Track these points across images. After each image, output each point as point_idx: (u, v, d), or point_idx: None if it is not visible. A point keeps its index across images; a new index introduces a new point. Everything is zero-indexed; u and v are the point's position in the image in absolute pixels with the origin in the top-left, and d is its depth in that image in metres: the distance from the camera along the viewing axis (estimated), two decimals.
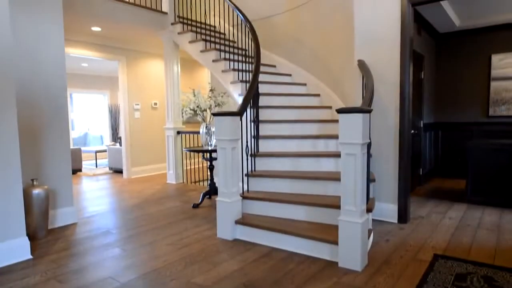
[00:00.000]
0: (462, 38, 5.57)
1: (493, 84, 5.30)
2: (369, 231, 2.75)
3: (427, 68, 5.41)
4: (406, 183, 3.37)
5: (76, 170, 7.30)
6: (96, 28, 5.20)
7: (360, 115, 2.26)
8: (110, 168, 7.40)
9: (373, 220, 3.49)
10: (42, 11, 3.32)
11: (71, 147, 7.70)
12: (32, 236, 3.07)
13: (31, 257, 2.67)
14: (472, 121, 5.54)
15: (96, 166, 8.32)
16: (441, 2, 4.22)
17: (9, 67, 2.55)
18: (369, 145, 2.58)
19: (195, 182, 6.18)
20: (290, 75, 5.17)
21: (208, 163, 4.38)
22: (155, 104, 6.93)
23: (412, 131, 4.58)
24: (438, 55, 5.83)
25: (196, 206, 4.16)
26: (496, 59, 5.26)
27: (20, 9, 3.17)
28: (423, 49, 5.22)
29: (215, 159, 4.20)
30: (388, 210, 3.46)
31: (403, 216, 3.38)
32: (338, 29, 4.45)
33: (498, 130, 5.30)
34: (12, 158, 2.57)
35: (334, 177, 3.01)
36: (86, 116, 10.88)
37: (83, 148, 8.81)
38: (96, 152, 8.42)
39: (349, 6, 4.01)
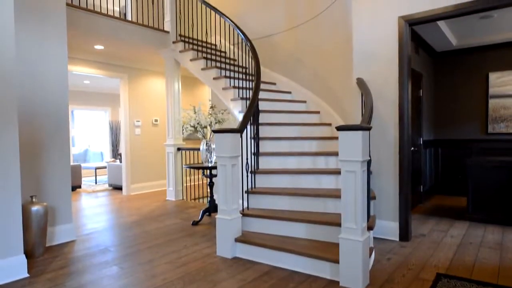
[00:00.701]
0: (459, 56, 5.66)
1: (491, 102, 5.35)
2: (371, 249, 2.72)
3: (425, 86, 5.47)
4: (406, 201, 3.36)
5: (76, 187, 7.27)
6: (99, 47, 5.29)
7: (359, 132, 2.27)
8: (110, 185, 7.37)
9: (374, 238, 3.46)
10: (47, 29, 3.38)
11: (71, 163, 7.70)
12: (29, 253, 3.03)
13: (27, 275, 2.63)
14: (471, 138, 5.56)
15: (96, 183, 8.29)
16: (438, 22, 4.31)
17: (12, 83, 2.59)
18: (369, 162, 2.59)
19: (194, 199, 6.14)
20: (290, 92, 5.22)
21: (208, 180, 4.37)
22: (156, 121, 6.97)
23: (412, 148, 4.59)
24: (436, 73, 5.91)
25: (195, 223, 4.12)
26: (493, 77, 5.33)
27: (25, 26, 3.24)
28: (421, 67, 5.29)
29: (215, 176, 4.20)
30: (389, 228, 3.43)
31: (404, 234, 3.35)
32: (337, 48, 4.52)
33: (497, 147, 5.31)
34: (12, 175, 2.56)
35: (334, 194, 3.00)
36: (87, 133, 10.91)
37: (83, 165, 8.81)
38: (96, 168, 8.41)
39: (348, 25, 4.09)
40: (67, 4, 4.22)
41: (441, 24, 4.47)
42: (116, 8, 8.08)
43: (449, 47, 5.53)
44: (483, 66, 5.45)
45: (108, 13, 5.23)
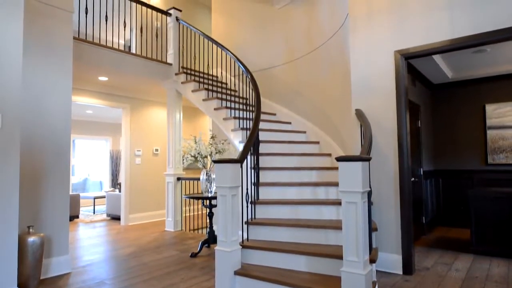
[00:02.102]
0: (456, 88, 5.78)
1: (490, 133, 5.39)
2: (373, 284, 2.65)
3: (423, 117, 5.54)
4: (409, 232, 3.31)
5: (73, 217, 7.17)
6: (103, 78, 5.42)
7: (359, 163, 2.28)
8: (108, 215, 7.28)
9: (377, 271, 3.37)
10: (53, 62, 3.48)
11: (70, 193, 7.64)
12: (23, 286, 2.95)
13: None
14: (472, 169, 5.56)
15: (94, 213, 8.19)
16: (433, 56, 4.43)
17: (17, 116, 2.63)
18: (369, 193, 2.58)
19: (193, 230, 6.05)
20: (290, 123, 5.29)
21: (208, 210, 4.33)
22: (156, 150, 7.00)
23: (412, 179, 4.58)
24: (433, 105, 6.00)
25: (194, 255, 4.04)
26: (490, 108, 5.41)
27: (32, 59, 3.33)
28: (419, 98, 5.39)
29: (215, 206, 4.16)
30: (392, 260, 3.35)
31: (408, 267, 3.27)
32: (336, 79, 4.63)
33: (498, 178, 5.30)
34: (10, 206, 2.55)
35: (336, 226, 2.96)
36: (87, 162, 10.92)
37: (82, 194, 8.74)
38: (95, 198, 8.34)
39: (346, 57, 4.21)
40: (74, 38, 4.37)
41: (436, 57, 4.60)
42: (121, 41, 8.35)
43: (445, 80, 5.66)
44: (479, 98, 5.55)
45: (113, 46, 5.41)
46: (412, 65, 4.84)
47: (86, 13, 4.64)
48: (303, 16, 5.28)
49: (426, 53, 3.27)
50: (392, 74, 3.46)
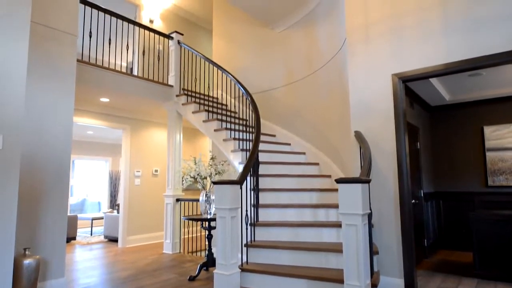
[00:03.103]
0: (454, 110, 5.84)
1: (489, 155, 5.41)
2: None
3: (422, 139, 5.57)
4: (411, 256, 3.26)
5: (70, 238, 7.07)
6: (104, 99, 5.48)
7: (359, 185, 2.28)
8: (105, 237, 7.18)
9: None
10: (56, 84, 3.54)
11: (68, 214, 7.56)
12: None
13: None
14: (472, 191, 5.54)
15: (91, 234, 8.08)
16: (430, 79, 4.51)
17: (19, 138, 2.65)
18: (370, 215, 2.56)
19: (192, 252, 5.95)
20: (289, 144, 5.31)
21: (207, 232, 4.28)
22: (156, 171, 6.99)
23: (413, 201, 4.55)
24: (432, 127, 6.05)
25: (192, 278, 3.96)
26: (488, 130, 5.44)
27: (35, 80, 3.39)
28: (417, 120, 5.43)
29: (214, 228, 4.12)
30: (394, 284, 3.29)
31: None
32: (335, 101, 4.68)
33: (499, 200, 5.27)
34: (7, 229, 2.52)
35: (336, 249, 2.93)
36: (86, 182, 10.87)
37: (79, 215, 8.65)
38: (93, 219, 8.25)
39: (344, 80, 4.28)
40: (77, 60, 4.45)
41: (433, 81, 4.68)
42: (124, 64, 8.50)
43: (442, 102, 5.73)
44: (477, 120, 5.60)
45: (116, 68, 5.51)
46: (409, 88, 4.91)
47: (90, 37, 4.75)
48: (302, 40, 5.40)
49: (423, 76, 3.33)
50: (390, 97, 3.51)
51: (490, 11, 3.02)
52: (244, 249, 3.26)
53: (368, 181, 2.40)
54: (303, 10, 5.29)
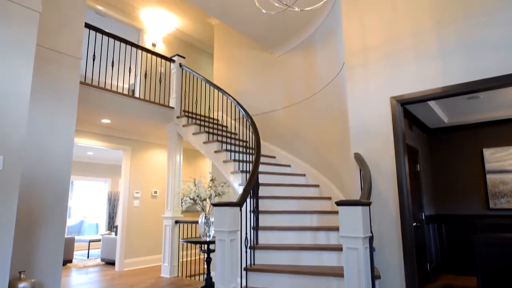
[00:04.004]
0: (453, 133, 5.87)
1: (489, 177, 5.39)
2: None
3: (422, 161, 5.57)
4: (414, 280, 3.19)
5: (66, 261, 6.94)
6: (106, 120, 5.52)
7: (359, 208, 2.27)
8: (102, 260, 7.05)
9: None
10: (58, 106, 3.58)
11: (65, 236, 7.45)
12: None
13: None
14: (474, 214, 5.49)
15: (88, 257, 7.94)
16: (428, 102, 4.56)
17: (19, 158, 2.65)
18: (371, 239, 2.53)
19: (190, 276, 5.83)
20: (289, 165, 5.31)
21: (206, 255, 4.21)
22: (155, 192, 6.95)
23: (414, 223, 4.50)
24: (431, 149, 6.06)
25: None
26: (487, 153, 5.46)
27: (37, 102, 3.43)
28: (416, 143, 5.45)
29: (213, 251, 4.05)
30: None
31: None
32: (334, 123, 4.72)
33: (502, 223, 5.21)
34: (3, 250, 2.49)
35: (337, 273, 2.87)
36: (84, 203, 10.78)
37: (76, 237, 8.53)
38: (90, 241, 8.13)
39: (343, 102, 4.32)
40: (80, 83, 4.52)
41: (432, 103, 4.73)
42: (126, 86, 8.62)
43: (441, 124, 5.77)
44: (476, 142, 5.62)
45: (118, 90, 5.59)
46: (408, 110, 4.96)
47: (94, 60, 4.84)
48: (301, 63, 5.50)
49: (421, 99, 3.37)
50: (389, 119, 3.55)
51: (485, 36, 3.10)
52: (244, 272, 3.20)
53: (368, 204, 2.39)
54: (302, 35, 5.42)
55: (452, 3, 3.31)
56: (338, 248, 3.18)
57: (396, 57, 3.59)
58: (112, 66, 5.13)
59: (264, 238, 3.61)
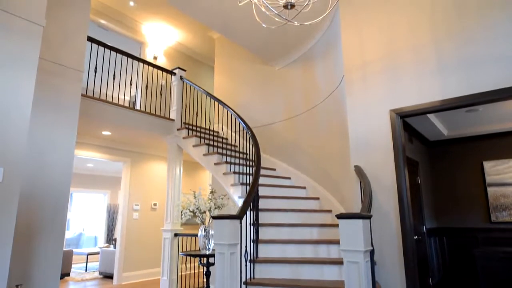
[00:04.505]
0: (452, 145, 5.88)
1: (490, 190, 5.37)
2: None
3: (422, 173, 5.56)
4: None
5: (64, 275, 6.86)
6: (106, 132, 5.54)
7: (360, 221, 2.26)
8: (100, 273, 6.97)
9: None
10: (60, 118, 3.60)
11: (64, 249, 7.38)
12: None
13: None
14: (475, 227, 5.45)
15: (86, 270, 7.85)
16: (427, 114, 4.58)
17: (19, 170, 2.65)
18: (372, 252, 2.51)
19: None
20: (289, 178, 5.29)
21: (205, 269, 4.16)
22: (155, 205, 6.92)
23: (416, 237, 4.47)
24: (431, 161, 6.06)
25: None
26: (488, 165, 5.45)
27: (39, 114, 3.45)
28: (416, 155, 5.46)
29: (213, 264, 4.01)
30: None
31: None
32: (334, 136, 4.73)
33: (504, 236, 5.17)
34: (1, 264, 2.47)
35: (339, 287, 2.84)
36: (83, 216, 10.71)
37: (75, 250, 8.45)
38: (88, 254, 8.05)
39: (343, 115, 4.35)
40: (82, 95, 4.55)
41: (431, 116, 4.75)
42: (127, 98, 8.67)
43: (441, 137, 5.78)
44: (476, 155, 5.62)
45: (119, 102, 5.63)
46: (408, 123, 4.98)
47: (95, 72, 4.88)
48: (301, 76, 5.55)
49: (420, 112, 3.39)
50: (389, 132, 3.56)
51: (483, 50, 3.14)
52: (243, 287, 3.16)
53: (369, 217, 2.38)
54: (302, 49, 5.49)
55: (449, 18, 3.36)
56: (339, 262, 3.15)
57: (395, 71, 3.62)
58: (114, 78, 5.17)
59: (264, 251, 3.57)
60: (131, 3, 6.37)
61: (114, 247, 7.30)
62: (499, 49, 3.06)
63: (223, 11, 4.51)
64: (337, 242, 3.45)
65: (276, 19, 2.53)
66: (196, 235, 5.05)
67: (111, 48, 5.05)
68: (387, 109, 3.61)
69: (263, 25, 2.93)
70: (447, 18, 3.38)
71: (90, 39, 4.68)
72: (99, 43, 4.84)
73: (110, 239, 10.26)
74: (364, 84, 3.83)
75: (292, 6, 2.27)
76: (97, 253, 8.03)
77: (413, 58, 3.52)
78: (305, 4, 2.36)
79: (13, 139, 2.64)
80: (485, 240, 5.30)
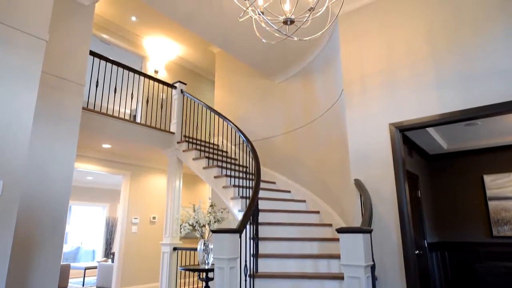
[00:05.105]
0: (452, 159, 5.87)
1: (491, 204, 5.35)
2: None
3: (423, 187, 5.55)
4: None
5: None
6: (106, 145, 5.55)
7: (360, 235, 2.24)
8: None
9: None
10: (60, 131, 3.61)
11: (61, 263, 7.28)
12: None
13: None
14: (477, 241, 5.40)
15: (83, 285, 7.74)
16: (427, 128, 4.60)
17: (18, 183, 2.65)
18: (373, 267, 2.49)
19: None
20: (289, 191, 5.28)
21: (204, 283, 4.11)
22: (154, 218, 6.87)
23: (417, 251, 4.42)
24: (431, 175, 6.05)
25: None
26: (488, 179, 5.44)
27: (40, 126, 3.46)
28: (416, 169, 5.45)
29: (212, 279, 3.96)
30: None
31: None
32: (334, 149, 4.74)
33: (506, 251, 5.11)
34: None
35: None
36: (81, 229, 10.62)
37: (72, 264, 8.34)
38: (86, 269, 7.95)
39: (342, 128, 4.36)
40: (82, 108, 4.57)
41: (430, 130, 4.77)
42: (127, 111, 8.72)
43: (441, 151, 5.78)
44: (476, 169, 5.61)
45: (120, 115, 5.65)
46: (407, 137, 4.99)
47: (97, 86, 4.92)
48: (301, 90, 5.60)
49: (419, 126, 3.41)
50: (388, 145, 3.57)
51: (480, 65, 3.18)
52: None
53: (369, 231, 2.36)
54: (301, 63, 5.55)
55: (447, 33, 3.41)
56: (340, 277, 3.11)
57: (394, 84, 3.66)
58: (115, 92, 5.21)
59: (264, 265, 3.53)
60: (133, 18, 6.47)
61: (112, 261, 7.21)
62: (497, 64, 3.10)
63: (223, 27, 4.59)
64: (337, 256, 3.42)
65: (276, 34, 2.57)
66: (195, 249, 5.00)
67: (113, 62, 5.11)
68: (386, 122, 3.63)
69: (263, 40, 2.97)
70: (445, 33, 3.43)
71: (92, 53, 4.74)
72: (101, 57, 4.90)
73: (108, 253, 10.15)
74: (363, 98, 3.86)
75: (292, 22, 2.31)
76: (95, 267, 7.93)
77: (411, 72, 3.56)
78: (305, 20, 2.40)
79: (13, 152, 2.64)
80: (487, 254, 5.25)
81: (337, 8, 4.09)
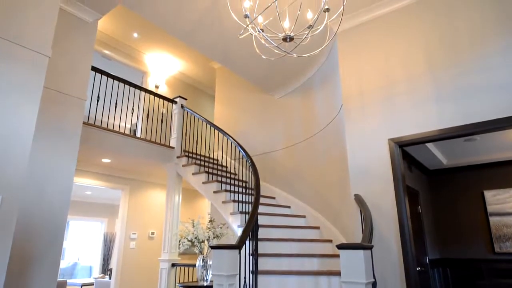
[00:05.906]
0: (452, 174, 5.87)
1: (492, 220, 5.31)
2: None
3: (423, 202, 5.52)
4: None
5: None
6: (106, 160, 5.54)
7: (361, 251, 2.22)
8: None
9: None
10: (60, 145, 3.61)
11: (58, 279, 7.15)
12: None
13: None
14: (479, 258, 5.34)
15: None
16: (426, 144, 4.61)
17: (17, 198, 2.64)
18: (374, 284, 2.45)
19: None
20: (289, 207, 5.24)
21: None
22: (152, 233, 6.80)
23: (418, 268, 4.37)
24: (431, 190, 6.03)
25: None
26: (488, 195, 5.42)
27: (40, 141, 3.46)
28: (416, 184, 5.44)
29: None
30: None
31: None
32: (333, 164, 4.73)
33: (508, 268, 5.05)
34: None
35: None
36: (79, 245, 10.49)
37: (69, 281, 8.21)
38: (82, 285, 7.82)
39: (342, 143, 4.37)
40: (83, 123, 4.59)
41: (430, 145, 4.79)
42: (128, 126, 8.75)
43: (440, 166, 5.79)
44: (476, 184, 5.60)
45: (120, 130, 5.67)
46: (407, 152, 5.00)
47: (98, 101, 4.96)
48: (300, 105, 5.64)
49: (418, 141, 3.42)
50: (388, 161, 3.57)
51: (478, 80, 3.21)
52: None
53: (370, 247, 2.34)
54: (301, 79, 5.61)
55: (444, 49, 3.46)
56: None
57: (393, 100, 3.69)
58: (116, 106, 5.24)
59: (264, 282, 3.48)
60: (135, 35, 6.57)
61: (110, 277, 7.10)
62: (495, 78, 3.14)
63: (224, 43, 4.65)
64: (338, 273, 3.37)
65: (276, 51, 2.61)
66: (194, 266, 4.93)
67: (114, 77, 5.16)
68: (385, 138, 3.64)
69: (263, 56, 3.02)
70: (442, 48, 3.48)
71: (94, 68, 4.79)
72: (102, 72, 4.95)
73: (106, 269, 10.00)
74: (362, 113, 3.88)
75: (291, 39, 2.35)
76: (92, 284, 7.80)
77: (410, 87, 3.60)
78: (304, 37, 2.44)
79: (13, 166, 2.64)
80: (490, 271, 5.18)
81: (336, 25, 4.17)
